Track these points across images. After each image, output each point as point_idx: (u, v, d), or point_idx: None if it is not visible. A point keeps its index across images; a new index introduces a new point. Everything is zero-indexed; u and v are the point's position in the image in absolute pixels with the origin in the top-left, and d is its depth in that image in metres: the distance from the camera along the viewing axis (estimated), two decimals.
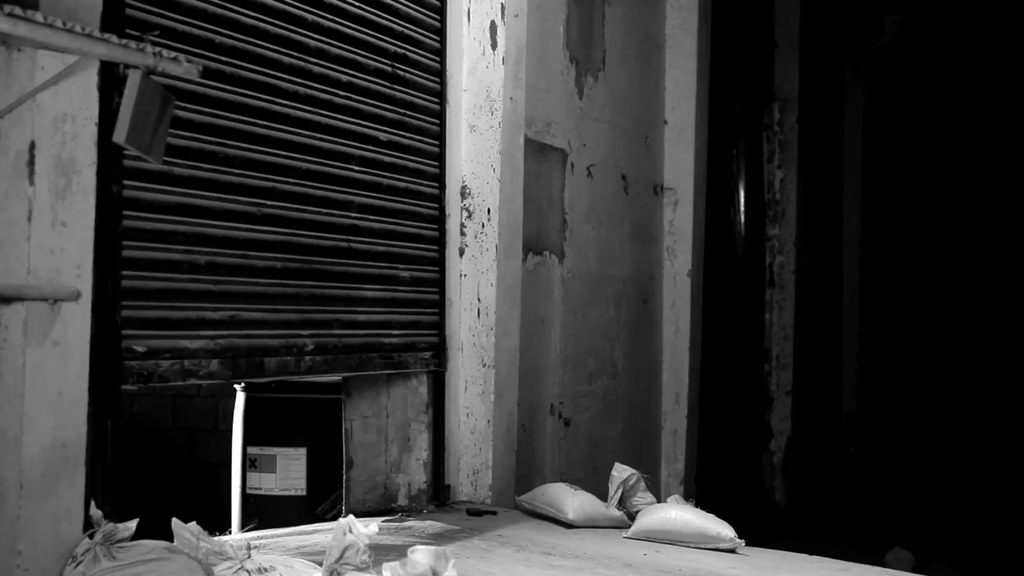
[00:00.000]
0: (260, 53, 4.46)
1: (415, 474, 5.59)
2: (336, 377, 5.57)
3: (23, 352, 3.23)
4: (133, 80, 3.29)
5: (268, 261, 4.47)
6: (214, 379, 4.28)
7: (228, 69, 4.29)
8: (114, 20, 3.58)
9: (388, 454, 5.38)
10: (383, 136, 5.22)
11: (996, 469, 9.88)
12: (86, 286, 3.43)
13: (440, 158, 5.67)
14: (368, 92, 5.12)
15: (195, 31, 4.12)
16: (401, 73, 5.37)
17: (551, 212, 6.47)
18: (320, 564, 3.78)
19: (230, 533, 5.30)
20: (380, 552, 4.07)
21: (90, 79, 3.42)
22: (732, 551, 5.20)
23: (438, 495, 5.66)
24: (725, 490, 8.08)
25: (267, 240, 4.46)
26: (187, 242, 4.09)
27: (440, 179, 5.65)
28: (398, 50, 5.34)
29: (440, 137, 5.67)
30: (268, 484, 5.69)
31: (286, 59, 4.60)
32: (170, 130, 3.56)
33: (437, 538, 4.85)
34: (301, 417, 5.58)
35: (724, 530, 5.26)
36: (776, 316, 9.69)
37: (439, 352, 5.68)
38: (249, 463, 5.76)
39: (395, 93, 5.33)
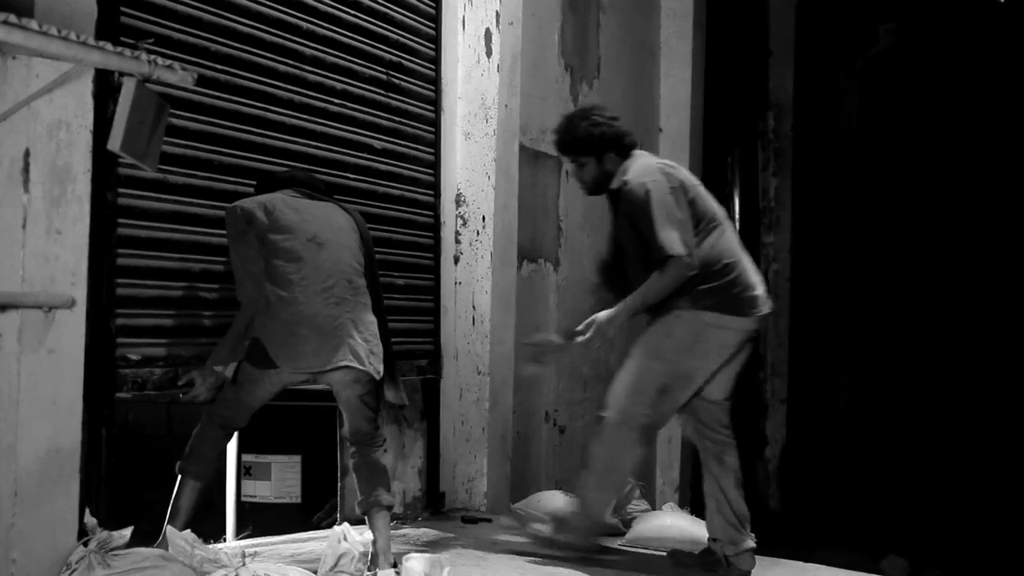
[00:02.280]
0: (255, 61, 4.46)
1: (410, 481, 5.58)
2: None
3: (18, 360, 3.23)
4: (128, 88, 3.29)
5: None
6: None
7: (223, 77, 4.30)
8: (109, 28, 3.58)
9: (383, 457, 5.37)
10: (378, 144, 5.23)
11: (991, 476, 9.89)
12: (81, 294, 3.43)
13: (435, 166, 5.67)
14: (364, 100, 5.13)
15: (190, 39, 4.12)
16: (396, 81, 5.37)
17: (546, 219, 6.46)
18: (315, 572, 3.78)
19: (225, 541, 5.29)
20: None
21: (85, 87, 3.42)
22: None
23: (433, 502, 5.66)
24: None
25: None
26: (182, 250, 4.09)
27: (435, 187, 5.66)
28: (393, 58, 5.34)
29: (435, 145, 5.67)
30: (263, 492, 5.67)
31: (281, 67, 4.61)
32: (165, 138, 3.56)
33: (432, 546, 4.85)
34: (296, 425, 5.56)
35: None
36: (771, 324, 9.68)
37: (434, 359, 5.68)
38: (244, 471, 5.73)
39: (390, 101, 5.33)
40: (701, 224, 4.50)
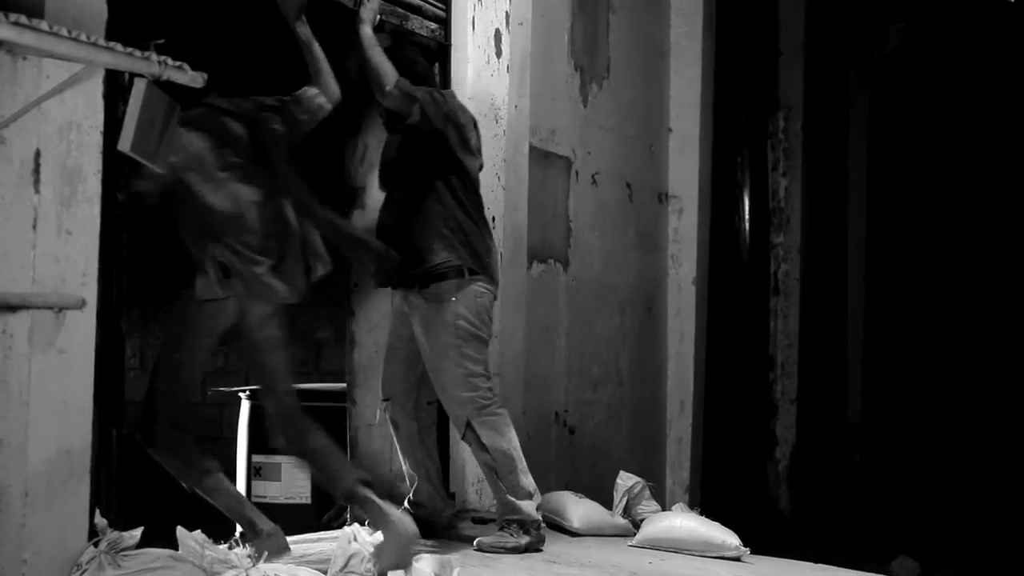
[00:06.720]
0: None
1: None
2: (341, 386, 5.59)
3: (28, 360, 3.23)
4: (138, 88, 3.30)
5: None
6: None
7: None
8: (119, 28, 3.58)
9: (393, 463, 5.37)
10: None
11: (1001, 477, 9.87)
12: (91, 294, 3.43)
13: None
14: None
15: None
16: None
17: (556, 220, 6.46)
18: (325, 572, 3.78)
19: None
20: None
21: (95, 87, 3.42)
22: (737, 559, 5.19)
23: None
24: (730, 498, 8.06)
25: None
26: None
27: None
28: None
29: None
30: (273, 492, 5.69)
31: None
32: None
33: (442, 546, 4.84)
34: None
35: (729, 538, 5.24)
36: (781, 324, 9.67)
37: None
38: (254, 471, 5.75)
39: None
40: None
